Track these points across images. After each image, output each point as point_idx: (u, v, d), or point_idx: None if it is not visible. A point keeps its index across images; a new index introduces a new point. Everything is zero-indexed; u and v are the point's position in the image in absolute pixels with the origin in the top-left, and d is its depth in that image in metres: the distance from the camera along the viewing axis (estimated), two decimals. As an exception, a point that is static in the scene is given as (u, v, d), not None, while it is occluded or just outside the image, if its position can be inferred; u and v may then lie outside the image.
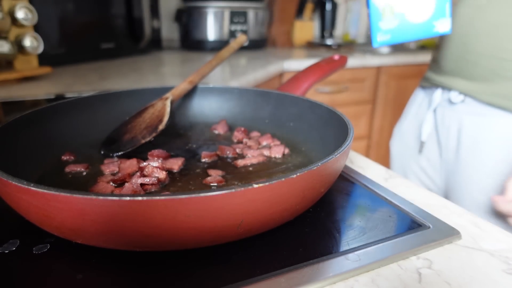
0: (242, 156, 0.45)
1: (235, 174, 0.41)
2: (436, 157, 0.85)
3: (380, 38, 0.52)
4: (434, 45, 0.89)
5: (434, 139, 0.85)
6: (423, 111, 0.88)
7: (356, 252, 0.30)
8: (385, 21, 0.50)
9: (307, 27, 1.90)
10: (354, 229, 0.33)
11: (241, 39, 0.61)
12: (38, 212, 0.26)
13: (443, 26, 0.50)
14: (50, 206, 0.25)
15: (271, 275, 0.27)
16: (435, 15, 0.48)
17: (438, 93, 0.82)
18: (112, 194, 0.24)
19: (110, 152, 0.45)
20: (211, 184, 0.38)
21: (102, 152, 0.45)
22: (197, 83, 0.55)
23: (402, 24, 0.50)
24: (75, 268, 0.27)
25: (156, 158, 0.43)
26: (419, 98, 0.91)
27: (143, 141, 0.44)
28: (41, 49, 0.88)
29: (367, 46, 2.01)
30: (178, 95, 0.50)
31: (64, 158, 0.44)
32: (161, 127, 0.45)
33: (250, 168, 0.43)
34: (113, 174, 0.40)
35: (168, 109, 0.47)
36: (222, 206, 0.25)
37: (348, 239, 0.32)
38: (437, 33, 0.50)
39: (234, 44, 0.59)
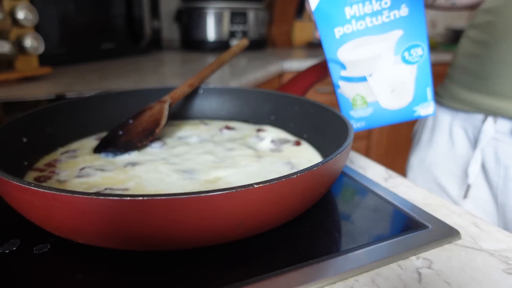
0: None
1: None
2: (487, 200, 0.67)
3: (355, 126, 0.47)
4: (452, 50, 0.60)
5: (481, 177, 0.67)
6: (461, 142, 0.69)
7: (356, 252, 0.30)
8: (356, 111, 0.46)
9: (307, 28, 1.90)
10: (354, 229, 0.33)
11: (243, 43, 0.60)
12: (39, 212, 0.26)
13: (425, 110, 0.44)
14: (51, 205, 0.25)
15: (271, 275, 0.27)
16: (415, 101, 0.44)
17: (489, 124, 0.62)
18: (112, 194, 0.24)
19: (105, 155, 0.44)
20: None
21: (97, 154, 0.45)
22: (196, 87, 0.55)
23: (376, 111, 0.45)
24: (75, 268, 0.27)
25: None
26: (446, 122, 0.71)
27: (139, 145, 0.44)
28: (41, 49, 0.88)
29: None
30: (177, 99, 0.50)
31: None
32: (158, 130, 0.45)
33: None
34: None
35: (166, 113, 0.46)
36: (222, 206, 0.25)
37: (348, 239, 0.32)
38: (419, 116, 0.45)
39: (236, 48, 0.59)
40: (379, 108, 0.45)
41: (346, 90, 0.44)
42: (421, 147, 0.76)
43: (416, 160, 0.77)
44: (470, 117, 0.66)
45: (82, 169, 0.39)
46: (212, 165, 0.41)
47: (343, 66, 0.42)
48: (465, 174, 0.68)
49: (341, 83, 0.44)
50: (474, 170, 0.66)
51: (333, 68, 0.43)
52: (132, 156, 0.43)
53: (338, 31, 0.40)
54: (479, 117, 0.64)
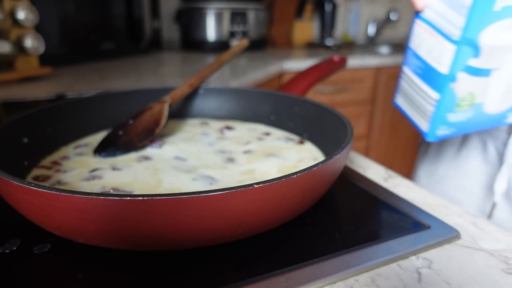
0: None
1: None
2: (507, 217, 0.61)
3: (441, 133, 0.36)
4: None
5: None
6: (477, 156, 0.63)
7: (356, 252, 0.30)
8: (457, 114, 0.35)
9: (306, 28, 1.90)
10: (354, 229, 0.33)
11: (243, 43, 0.60)
12: (39, 212, 0.26)
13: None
14: (51, 206, 0.25)
15: (271, 275, 0.27)
16: None
17: None
18: (112, 194, 0.24)
19: (105, 155, 0.44)
20: None
21: (97, 155, 0.45)
22: (197, 87, 0.55)
23: (475, 116, 0.35)
24: (75, 268, 0.27)
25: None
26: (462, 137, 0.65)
27: (139, 145, 0.44)
28: (42, 49, 0.88)
29: (366, 46, 2.01)
30: (177, 99, 0.50)
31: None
32: (158, 130, 0.45)
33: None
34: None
35: (166, 113, 0.47)
36: (223, 206, 0.25)
37: (348, 239, 0.32)
38: (503, 123, 0.38)
39: (236, 48, 0.59)
40: (479, 112, 0.35)
41: (462, 85, 0.33)
42: (429, 159, 0.72)
43: (424, 173, 0.73)
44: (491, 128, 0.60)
45: (92, 170, 0.39)
46: (223, 163, 0.41)
47: (476, 53, 0.32)
48: (486, 191, 0.63)
49: (461, 76, 0.33)
50: (501, 187, 0.60)
51: (462, 53, 0.32)
52: (141, 154, 0.44)
53: (501, 1, 0.28)
54: (503, 127, 0.59)
